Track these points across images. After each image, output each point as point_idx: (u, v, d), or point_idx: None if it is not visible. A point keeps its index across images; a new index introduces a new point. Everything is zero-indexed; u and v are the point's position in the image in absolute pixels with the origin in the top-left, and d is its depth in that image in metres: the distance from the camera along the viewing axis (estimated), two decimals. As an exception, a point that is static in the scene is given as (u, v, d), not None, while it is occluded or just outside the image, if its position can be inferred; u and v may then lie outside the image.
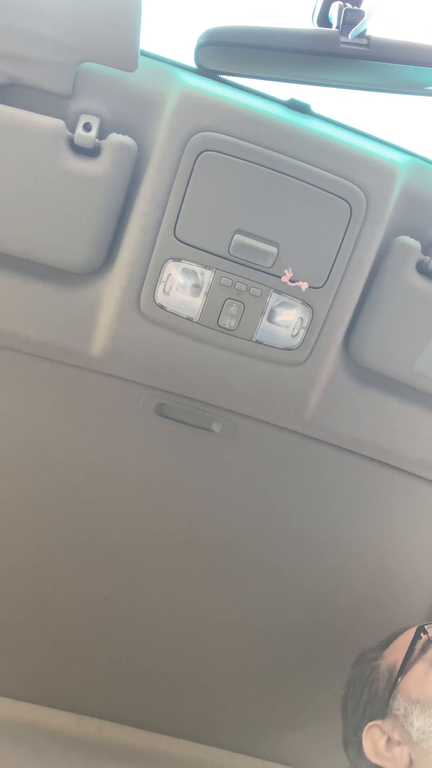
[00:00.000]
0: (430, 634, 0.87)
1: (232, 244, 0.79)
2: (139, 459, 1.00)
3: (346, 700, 0.96)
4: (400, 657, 0.88)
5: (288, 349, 0.87)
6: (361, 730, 0.88)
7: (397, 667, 0.87)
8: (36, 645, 1.16)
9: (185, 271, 0.82)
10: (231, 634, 1.16)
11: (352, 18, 0.70)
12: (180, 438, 0.98)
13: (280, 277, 0.81)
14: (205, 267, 0.81)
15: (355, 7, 0.71)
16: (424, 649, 0.87)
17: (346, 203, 0.78)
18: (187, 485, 1.03)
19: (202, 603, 1.13)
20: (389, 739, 0.85)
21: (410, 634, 0.90)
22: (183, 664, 1.19)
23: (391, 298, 0.84)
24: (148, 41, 0.75)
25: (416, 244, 0.82)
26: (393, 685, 0.86)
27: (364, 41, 0.70)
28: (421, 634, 0.88)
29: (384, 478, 1.02)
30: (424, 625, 0.89)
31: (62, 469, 1.01)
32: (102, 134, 0.77)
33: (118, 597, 1.12)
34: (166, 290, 0.82)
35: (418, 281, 0.84)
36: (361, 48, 0.70)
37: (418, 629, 0.89)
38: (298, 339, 0.86)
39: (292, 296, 0.83)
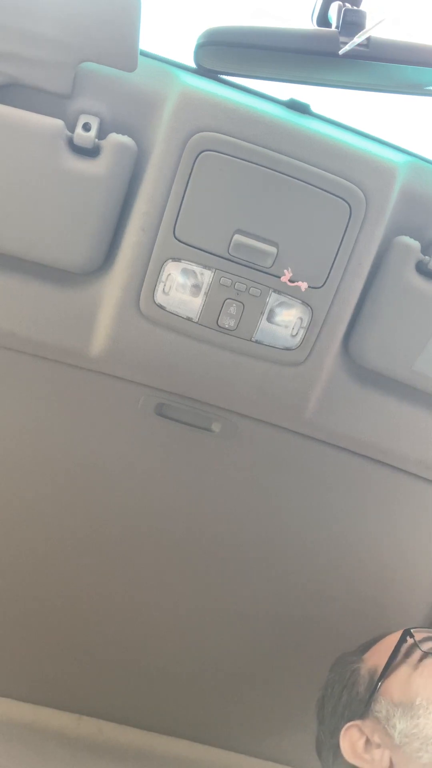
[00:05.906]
0: (416, 638, 0.86)
1: (232, 244, 0.79)
2: (139, 459, 1.00)
3: (323, 703, 0.95)
4: (382, 660, 0.87)
5: (288, 349, 0.86)
6: (339, 731, 0.86)
7: (379, 671, 0.86)
8: (36, 645, 1.16)
9: (185, 271, 0.82)
10: (231, 634, 1.16)
11: (351, 18, 0.70)
12: (180, 438, 0.98)
13: (279, 277, 0.81)
14: (205, 267, 0.81)
15: (355, 7, 0.71)
16: (408, 653, 0.86)
17: (345, 203, 0.78)
18: (187, 485, 1.03)
19: (202, 603, 1.13)
20: (368, 741, 0.83)
21: (393, 638, 0.89)
22: (183, 664, 1.19)
23: (390, 298, 0.84)
24: (148, 41, 0.75)
25: (416, 244, 0.82)
26: (374, 687, 0.85)
27: (364, 41, 0.70)
28: (407, 638, 0.86)
29: (384, 478, 1.02)
30: (410, 629, 0.88)
31: (62, 469, 1.01)
32: (101, 134, 0.77)
33: (118, 597, 1.12)
34: (166, 290, 0.82)
35: (418, 281, 0.84)
36: (361, 48, 0.70)
37: (404, 632, 0.88)
38: (298, 339, 0.86)
39: (291, 296, 0.83)
